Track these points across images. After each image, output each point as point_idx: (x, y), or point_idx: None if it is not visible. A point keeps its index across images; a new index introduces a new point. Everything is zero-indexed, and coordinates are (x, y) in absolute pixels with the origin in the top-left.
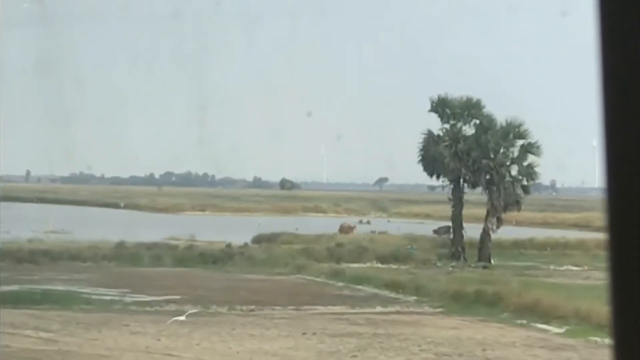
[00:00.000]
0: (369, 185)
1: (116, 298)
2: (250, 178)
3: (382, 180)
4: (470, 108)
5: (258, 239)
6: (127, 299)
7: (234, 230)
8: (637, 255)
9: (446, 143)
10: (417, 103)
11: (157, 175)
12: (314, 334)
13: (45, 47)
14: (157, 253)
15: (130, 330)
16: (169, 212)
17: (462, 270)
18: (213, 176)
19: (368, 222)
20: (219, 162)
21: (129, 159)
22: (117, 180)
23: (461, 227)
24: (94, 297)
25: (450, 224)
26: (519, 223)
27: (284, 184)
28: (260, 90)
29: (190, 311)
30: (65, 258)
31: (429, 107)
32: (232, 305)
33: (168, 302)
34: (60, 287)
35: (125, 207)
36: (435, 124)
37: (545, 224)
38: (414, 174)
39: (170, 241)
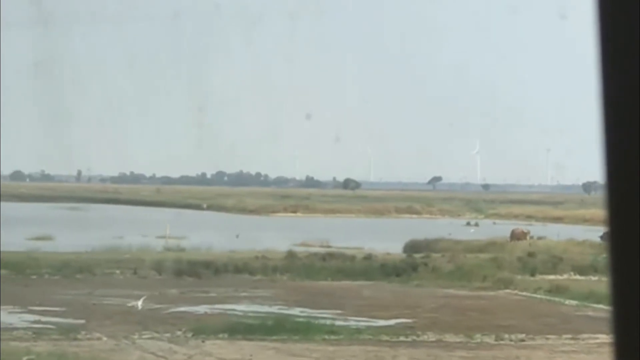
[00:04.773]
0: (418, 184)
1: (342, 323)
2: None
3: (435, 180)
4: None
5: (413, 246)
6: (353, 323)
7: (355, 233)
8: (637, 253)
9: None
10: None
11: (209, 175)
12: None
13: (44, 48)
14: (335, 264)
15: None
16: (259, 214)
17: None
18: (266, 175)
19: (476, 225)
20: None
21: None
22: (167, 180)
23: None
24: (325, 322)
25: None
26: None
27: (348, 184)
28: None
29: (453, 341)
30: (230, 270)
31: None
32: (489, 332)
33: (404, 327)
34: (265, 309)
35: (209, 208)
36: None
37: None
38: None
39: (345, 251)
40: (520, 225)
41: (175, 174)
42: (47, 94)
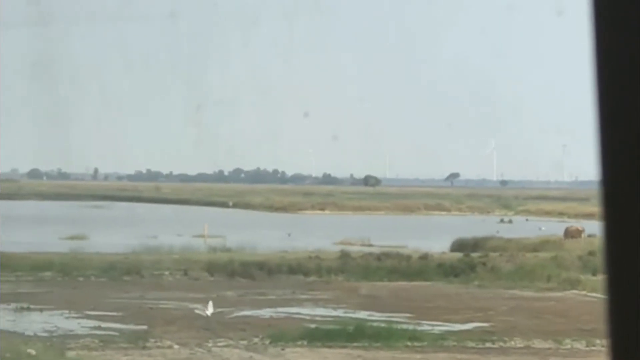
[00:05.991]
0: (435, 180)
1: (419, 328)
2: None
3: (453, 176)
4: None
5: (461, 244)
6: (427, 327)
7: (391, 231)
8: (635, 251)
9: None
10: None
11: (226, 172)
12: None
13: (43, 48)
14: (390, 264)
15: None
16: (287, 211)
17: None
18: (283, 172)
19: (510, 222)
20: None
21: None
22: (185, 178)
23: None
24: (406, 327)
25: None
26: None
27: (368, 180)
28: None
29: (542, 347)
30: (284, 271)
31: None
32: (577, 338)
33: (484, 331)
34: (336, 313)
35: (235, 205)
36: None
37: None
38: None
39: (401, 250)
40: (552, 222)
41: (192, 172)
42: (48, 94)
